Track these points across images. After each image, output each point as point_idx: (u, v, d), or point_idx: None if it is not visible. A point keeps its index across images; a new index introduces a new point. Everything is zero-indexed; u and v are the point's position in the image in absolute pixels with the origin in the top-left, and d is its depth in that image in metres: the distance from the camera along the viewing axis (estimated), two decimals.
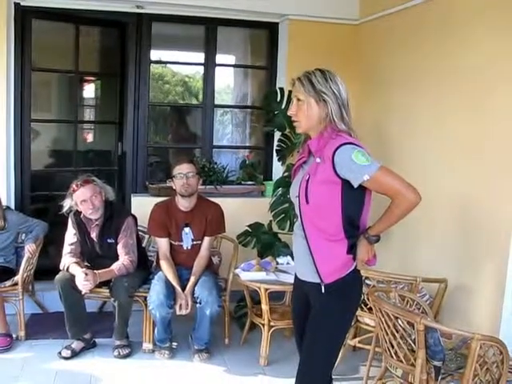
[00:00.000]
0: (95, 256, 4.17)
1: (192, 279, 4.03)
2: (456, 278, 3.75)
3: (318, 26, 5.11)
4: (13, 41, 4.64)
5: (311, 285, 2.46)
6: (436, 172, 4.02)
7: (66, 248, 4.10)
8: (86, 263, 4.18)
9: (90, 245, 4.15)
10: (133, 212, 4.46)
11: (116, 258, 4.07)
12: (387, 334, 2.98)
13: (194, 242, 4.18)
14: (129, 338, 4.17)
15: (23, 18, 4.70)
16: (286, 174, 4.68)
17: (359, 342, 3.88)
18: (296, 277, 2.62)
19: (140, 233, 4.44)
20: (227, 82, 6.37)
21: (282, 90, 4.88)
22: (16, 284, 4.20)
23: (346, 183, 2.32)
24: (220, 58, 5.44)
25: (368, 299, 3.44)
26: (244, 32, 5.71)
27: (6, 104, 4.61)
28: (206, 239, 4.19)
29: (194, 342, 4.09)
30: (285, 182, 4.52)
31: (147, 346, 4.15)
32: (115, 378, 3.79)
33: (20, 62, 4.72)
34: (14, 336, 4.16)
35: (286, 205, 4.52)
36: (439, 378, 2.81)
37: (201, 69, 5.48)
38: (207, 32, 5.26)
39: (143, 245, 4.53)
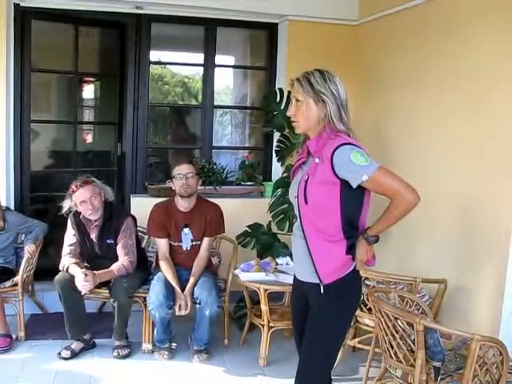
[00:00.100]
0: (95, 256, 4.17)
1: (191, 280, 4.03)
2: (456, 278, 3.75)
3: (317, 26, 5.11)
4: (12, 41, 4.64)
5: (310, 285, 2.46)
6: (437, 172, 4.02)
7: (66, 249, 4.10)
8: (85, 264, 4.18)
9: (90, 245, 4.15)
10: (132, 213, 4.46)
11: (115, 258, 4.07)
12: (387, 334, 2.98)
13: (194, 243, 4.18)
14: (128, 338, 4.17)
15: (23, 18, 4.71)
16: (285, 174, 4.68)
17: (359, 343, 3.88)
18: (295, 277, 2.62)
19: (139, 233, 4.44)
20: (226, 83, 6.37)
21: (281, 90, 4.88)
22: (16, 284, 4.20)
23: (344, 183, 2.32)
24: (219, 58, 5.45)
25: (368, 300, 3.44)
26: (243, 33, 5.72)
27: (6, 105, 4.61)
28: (206, 240, 4.19)
29: (194, 342, 4.09)
30: (284, 183, 4.52)
31: (147, 346, 4.15)
32: (115, 378, 3.79)
33: (19, 62, 4.72)
34: (13, 336, 4.16)
35: (286, 205, 4.51)
36: (439, 378, 2.81)
37: (200, 69, 5.49)
38: (206, 33, 5.26)
39: (143, 245, 4.53)
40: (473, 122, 3.70)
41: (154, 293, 3.91)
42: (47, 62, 5.06)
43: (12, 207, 4.70)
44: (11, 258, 4.42)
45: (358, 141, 2.40)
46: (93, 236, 4.13)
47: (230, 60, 6.23)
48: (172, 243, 4.18)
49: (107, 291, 4.03)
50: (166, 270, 4.05)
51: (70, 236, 4.13)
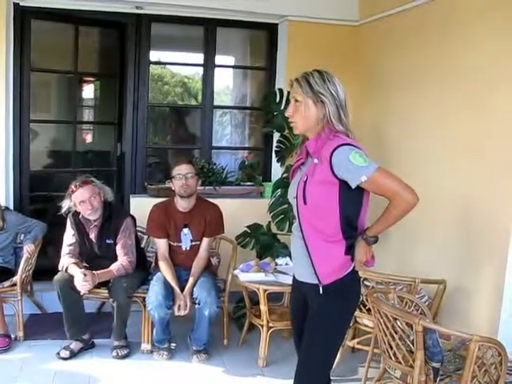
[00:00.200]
0: (94, 256, 4.17)
1: (191, 280, 4.03)
2: (455, 279, 3.75)
3: (317, 27, 5.11)
4: (12, 41, 4.63)
5: (309, 286, 2.46)
6: (437, 172, 4.02)
7: (65, 249, 4.10)
8: (84, 264, 4.18)
9: (89, 245, 4.15)
10: (132, 213, 4.46)
11: (115, 258, 4.07)
12: (386, 335, 2.98)
13: (193, 243, 4.18)
14: (127, 338, 4.17)
15: (22, 18, 4.70)
16: (284, 174, 4.68)
17: (358, 343, 3.88)
18: (294, 278, 2.62)
19: (139, 233, 4.44)
20: (226, 83, 6.37)
21: (281, 90, 4.88)
22: (15, 284, 4.20)
23: (343, 184, 2.32)
24: (219, 58, 5.44)
25: (367, 300, 3.44)
26: (243, 33, 5.72)
27: (5, 104, 4.61)
28: (205, 240, 4.19)
29: (193, 342, 4.09)
30: (284, 183, 4.52)
31: (146, 346, 4.15)
32: (114, 378, 3.79)
33: (19, 62, 4.72)
34: (12, 336, 4.16)
35: (285, 206, 4.51)
36: (438, 379, 2.81)
37: (200, 70, 5.49)
38: (206, 33, 5.26)
39: (142, 245, 4.53)
40: (473, 121, 3.70)
41: (154, 293, 3.91)
42: (47, 61, 5.06)
43: (11, 207, 4.70)
44: (10, 258, 4.42)
45: (356, 141, 2.40)
46: (92, 236, 4.13)
47: (229, 60, 6.23)
48: (171, 243, 4.18)
49: (106, 291, 4.03)
50: (166, 270, 4.05)
51: (69, 236, 4.13)
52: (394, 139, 4.58)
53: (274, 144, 5.06)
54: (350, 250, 2.41)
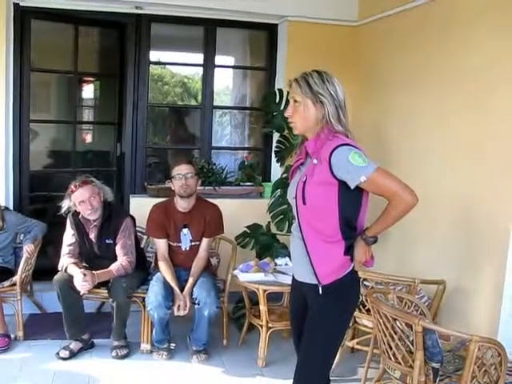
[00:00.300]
0: (93, 257, 4.17)
1: (190, 280, 4.03)
2: (454, 279, 3.75)
3: (317, 27, 5.11)
4: (12, 41, 4.64)
5: (309, 286, 2.46)
6: (437, 173, 4.02)
7: (65, 249, 4.10)
8: (84, 264, 4.18)
9: (89, 245, 4.15)
10: (131, 213, 4.47)
11: (114, 258, 4.07)
12: (385, 335, 2.98)
13: (193, 243, 4.18)
14: (127, 338, 4.17)
15: (22, 18, 4.70)
16: (284, 175, 4.68)
17: (357, 344, 3.88)
18: (293, 278, 2.62)
19: (138, 234, 4.44)
20: (226, 83, 6.37)
21: (280, 91, 4.88)
22: (14, 284, 4.20)
23: (342, 184, 2.32)
24: (219, 59, 5.45)
25: (366, 301, 3.44)
26: (243, 33, 5.72)
27: (5, 104, 4.61)
28: (205, 240, 4.19)
29: (192, 342, 4.09)
30: (283, 184, 4.52)
31: (145, 346, 4.15)
32: (113, 378, 3.79)
33: (19, 62, 4.72)
34: (12, 336, 4.16)
35: (285, 206, 4.51)
36: (437, 379, 2.81)
37: (200, 70, 5.49)
38: (206, 33, 5.26)
39: (142, 246, 4.53)
40: (473, 122, 3.69)
41: (153, 293, 3.91)
42: (47, 61, 5.06)
43: (11, 207, 4.70)
44: (10, 258, 4.42)
45: (356, 142, 2.40)
46: (92, 236, 4.13)
47: (229, 60, 6.23)
48: (171, 243, 4.18)
49: (106, 291, 4.03)
50: (165, 271, 4.05)
51: (68, 236, 4.13)
52: (394, 139, 4.58)
53: (274, 144, 5.07)
54: (349, 251, 2.41)
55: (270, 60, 5.43)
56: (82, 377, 3.75)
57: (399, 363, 2.94)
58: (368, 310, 3.53)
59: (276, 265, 4.28)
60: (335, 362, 3.18)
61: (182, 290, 3.98)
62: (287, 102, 4.56)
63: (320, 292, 2.41)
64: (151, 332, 4.11)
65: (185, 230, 4.15)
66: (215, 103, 5.53)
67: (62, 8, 4.79)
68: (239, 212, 4.91)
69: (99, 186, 4.14)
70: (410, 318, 2.77)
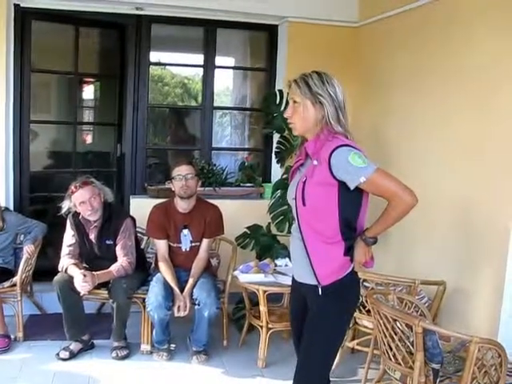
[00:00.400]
0: (94, 257, 4.17)
1: (190, 281, 4.03)
2: (454, 280, 3.75)
3: (317, 28, 5.11)
4: (12, 42, 4.64)
5: (308, 287, 2.46)
6: (436, 174, 4.02)
7: (65, 249, 4.10)
8: (84, 264, 4.18)
9: (89, 246, 4.15)
10: (131, 214, 4.47)
11: (114, 259, 4.07)
12: (385, 336, 2.98)
13: (193, 244, 4.18)
14: (127, 339, 4.17)
15: (23, 19, 4.71)
16: (284, 176, 4.68)
17: (357, 345, 3.88)
18: (293, 279, 2.62)
19: (139, 234, 4.44)
20: (226, 84, 6.38)
21: (281, 92, 4.88)
22: (14, 285, 4.19)
23: (342, 185, 2.32)
24: (219, 60, 5.45)
25: (366, 301, 3.44)
26: (243, 34, 5.72)
27: (5, 105, 4.61)
28: (205, 241, 4.18)
29: (193, 343, 4.09)
30: (283, 184, 4.51)
31: (145, 347, 4.14)
32: (113, 379, 3.79)
33: (19, 63, 4.72)
34: (12, 337, 4.16)
35: (285, 207, 4.51)
36: (437, 380, 2.81)
37: (200, 71, 5.49)
38: (206, 34, 5.26)
39: (142, 246, 4.53)
40: (474, 122, 3.69)
41: (153, 294, 3.91)
42: (47, 62, 5.07)
43: (11, 207, 4.70)
44: (10, 259, 4.42)
45: (355, 142, 2.40)
46: (92, 237, 4.13)
47: (229, 61, 6.24)
48: (171, 244, 4.18)
49: (106, 292, 4.03)
50: (165, 271, 4.05)
51: (69, 237, 4.13)
52: (394, 140, 4.59)
53: (274, 145, 5.06)
54: (349, 251, 2.41)
55: (270, 61, 5.43)
56: (82, 377, 3.74)
57: (399, 364, 2.94)
58: (368, 311, 3.53)
59: (276, 266, 4.28)
60: (335, 362, 3.19)
61: (182, 290, 3.98)
62: (287, 102, 4.55)
63: (320, 293, 2.41)
64: (151, 333, 4.11)
65: (185, 231, 4.15)
66: (215, 104, 5.53)
67: (62, 9, 4.79)
68: (239, 213, 4.91)
69: (99, 187, 4.14)
70: (410, 319, 2.77)
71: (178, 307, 3.90)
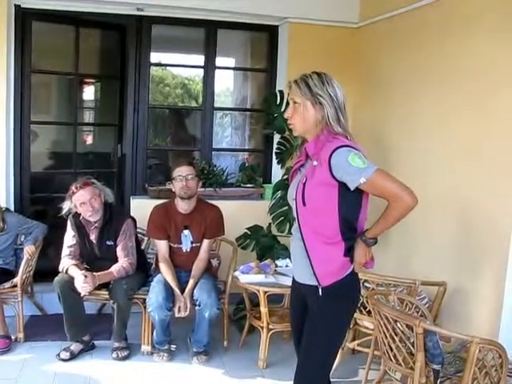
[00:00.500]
0: (94, 258, 4.17)
1: (191, 282, 4.03)
2: (455, 281, 3.75)
3: (317, 28, 5.11)
4: (13, 43, 4.64)
5: (309, 287, 2.46)
6: (436, 174, 4.02)
7: (65, 250, 4.10)
8: (85, 265, 4.17)
9: (89, 247, 4.15)
10: (132, 214, 4.47)
11: (115, 260, 4.07)
12: (386, 337, 2.98)
13: (194, 245, 4.18)
14: (127, 340, 4.17)
15: (23, 19, 4.71)
16: (285, 176, 4.68)
17: (358, 345, 3.87)
18: (294, 279, 2.62)
19: (139, 235, 4.44)
20: (227, 85, 6.38)
21: (281, 92, 4.88)
22: (15, 286, 4.20)
23: (342, 186, 2.32)
24: (220, 60, 5.45)
25: (367, 302, 3.44)
26: (244, 35, 5.72)
27: (6, 106, 4.61)
28: (205, 242, 4.18)
29: (193, 344, 4.09)
30: (284, 185, 4.52)
31: (146, 348, 4.14)
32: (114, 380, 3.78)
33: (20, 63, 4.72)
34: (12, 338, 4.16)
35: (286, 207, 4.51)
36: (438, 381, 2.81)
37: (201, 71, 5.48)
38: (207, 35, 5.26)
39: (142, 247, 4.53)
40: (473, 122, 3.69)
41: (154, 294, 3.91)
42: (48, 63, 5.06)
43: (12, 208, 4.70)
44: (11, 259, 4.42)
45: (355, 143, 2.40)
46: (92, 237, 4.13)
47: (230, 62, 6.25)
48: (172, 245, 4.18)
49: (107, 293, 4.03)
50: (166, 272, 4.05)
51: (69, 237, 4.13)
52: (394, 140, 4.59)
53: (275, 146, 5.07)
54: (349, 252, 2.41)
55: (270, 61, 5.43)
56: (83, 378, 3.75)
57: (400, 365, 2.94)
58: (369, 312, 3.54)
59: (277, 266, 4.28)
60: (336, 363, 3.19)
61: (182, 291, 3.98)
62: (288, 103, 4.55)
63: (320, 293, 2.41)
64: (152, 333, 4.11)
65: (186, 232, 4.15)
66: (216, 105, 5.53)
67: (62, 10, 4.79)
68: (240, 213, 4.91)
69: (100, 188, 4.14)
70: (411, 320, 2.77)
71: (179, 308, 3.90)
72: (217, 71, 5.39)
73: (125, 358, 4.04)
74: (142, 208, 4.63)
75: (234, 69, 6.22)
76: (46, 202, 5.15)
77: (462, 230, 3.78)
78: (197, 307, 3.95)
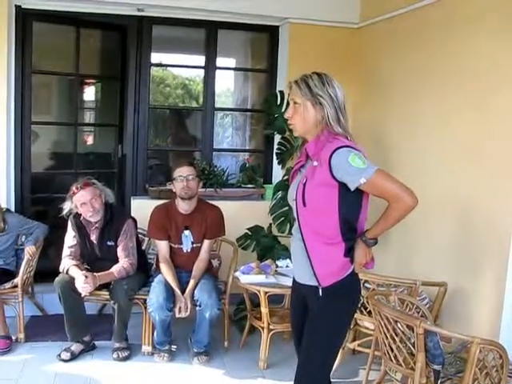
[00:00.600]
0: (95, 258, 4.17)
1: (192, 282, 4.03)
2: (456, 281, 3.75)
3: (318, 29, 5.11)
4: (13, 43, 4.64)
5: (309, 288, 2.46)
6: (436, 174, 4.02)
7: (66, 250, 4.10)
8: (85, 266, 4.18)
9: (90, 247, 4.15)
10: (132, 215, 4.48)
11: (116, 260, 4.07)
12: (387, 337, 2.98)
13: (194, 245, 4.18)
14: (128, 340, 4.17)
15: (24, 20, 4.71)
16: (285, 177, 4.68)
17: (359, 346, 3.87)
18: (294, 280, 2.62)
19: (140, 235, 4.45)
20: (227, 85, 6.37)
21: (282, 93, 4.88)
22: (16, 286, 4.20)
23: (343, 186, 2.32)
24: (220, 61, 5.45)
25: (367, 302, 3.44)
26: (244, 35, 5.72)
27: (7, 106, 4.62)
28: (206, 242, 4.19)
29: (194, 344, 4.09)
30: (284, 185, 4.51)
31: (146, 348, 4.15)
32: (114, 380, 3.79)
33: (21, 64, 4.72)
34: (13, 338, 4.16)
35: (286, 208, 4.51)
36: (438, 381, 2.81)
37: (201, 72, 5.48)
38: (208, 35, 5.26)
39: (143, 247, 4.53)
40: (474, 122, 3.69)
41: (154, 295, 3.91)
42: (48, 63, 5.06)
43: (12, 209, 4.70)
44: (11, 260, 4.42)
45: (355, 143, 2.40)
46: (93, 238, 4.13)
47: (231, 62, 6.24)
48: (172, 245, 4.18)
49: (107, 293, 4.03)
50: (167, 272, 4.05)
51: (70, 238, 4.13)
52: (394, 141, 4.59)
53: (275, 146, 5.07)
54: (349, 252, 2.41)
55: (271, 62, 5.43)
56: (83, 379, 3.75)
57: (400, 365, 2.94)
58: (369, 312, 3.53)
59: (277, 267, 4.28)
60: (336, 363, 3.19)
61: (183, 291, 3.98)
62: (288, 103, 4.55)
63: (320, 294, 2.42)
64: (152, 334, 4.11)
65: (186, 232, 4.15)
66: (216, 105, 5.53)
67: (63, 10, 4.79)
68: (240, 214, 4.91)
69: (100, 188, 4.14)
70: (412, 320, 2.77)
71: (179, 308, 3.90)
72: (217, 72, 5.40)
73: (125, 359, 4.04)
74: (142, 208, 4.63)
75: (235, 69, 6.22)
76: (46, 202, 5.15)
77: (463, 230, 3.78)
78: (197, 308, 3.95)
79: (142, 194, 5.18)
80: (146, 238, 4.57)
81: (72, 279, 3.90)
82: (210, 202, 4.35)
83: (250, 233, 4.72)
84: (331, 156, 2.29)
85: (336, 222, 2.36)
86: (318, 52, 5.01)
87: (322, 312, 2.44)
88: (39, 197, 5.12)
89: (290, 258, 3.92)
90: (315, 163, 2.37)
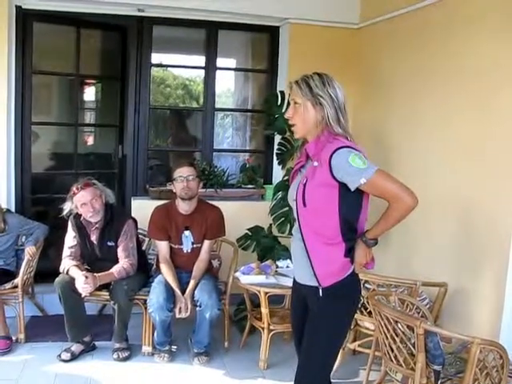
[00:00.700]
0: (95, 259, 4.17)
1: (192, 282, 4.03)
2: (456, 281, 3.74)
3: (318, 29, 5.12)
4: (14, 43, 4.64)
5: (309, 288, 2.46)
6: (437, 174, 4.02)
7: (66, 251, 4.10)
8: (85, 266, 4.18)
9: (90, 248, 4.15)
10: (133, 215, 4.48)
11: (116, 260, 4.07)
12: (387, 337, 2.98)
13: (194, 246, 4.18)
14: (128, 340, 4.17)
15: (24, 20, 4.71)
16: (286, 177, 4.68)
17: (359, 346, 3.87)
18: (294, 280, 2.62)
19: (140, 236, 4.45)
20: (228, 86, 6.38)
21: (282, 93, 4.88)
22: (16, 286, 4.20)
23: (343, 186, 2.32)
24: (221, 61, 5.45)
25: (368, 303, 3.43)
26: (245, 35, 5.72)
27: (7, 106, 4.62)
28: (206, 242, 4.18)
29: (194, 345, 4.09)
30: (285, 186, 4.51)
31: (147, 348, 4.14)
32: (114, 380, 3.78)
33: (21, 64, 4.72)
34: (13, 338, 4.16)
35: (286, 208, 4.51)
36: (439, 382, 2.81)
37: (201, 72, 5.48)
38: (208, 35, 5.26)
39: (143, 248, 4.53)
40: (476, 122, 3.68)
41: (155, 295, 3.91)
42: (48, 63, 5.07)
43: (13, 209, 4.70)
44: (11, 260, 4.42)
45: (356, 144, 2.40)
46: (93, 238, 4.13)
47: (231, 63, 6.24)
48: (172, 246, 4.18)
49: (107, 293, 4.03)
50: (167, 273, 4.05)
51: (70, 238, 4.13)
52: (395, 141, 4.58)
53: (275, 146, 5.06)
54: (349, 253, 2.41)
55: (271, 62, 5.43)
56: (83, 379, 3.75)
57: (401, 365, 2.94)
58: (369, 313, 3.53)
59: (277, 267, 4.28)
60: (336, 364, 3.19)
61: (183, 292, 3.98)
62: (289, 104, 4.55)
63: (320, 294, 2.41)
64: (153, 334, 4.11)
65: (186, 233, 4.15)
66: (217, 105, 5.53)
67: (63, 10, 4.79)
68: (241, 214, 4.91)
69: (101, 189, 4.14)
70: (412, 321, 2.77)
71: (180, 309, 3.90)
72: (218, 72, 5.40)
73: (125, 359, 4.04)
74: (142, 209, 4.64)
75: (235, 69, 6.22)
76: (46, 202, 5.15)
77: (463, 230, 3.78)
78: (197, 308, 3.95)
79: (142, 195, 5.18)
80: (147, 239, 4.57)
81: (72, 280, 3.90)
82: (211, 202, 4.35)
83: (250, 233, 4.71)
84: (331, 156, 2.29)
85: (336, 223, 2.36)
86: (318, 52, 5.01)
87: (322, 312, 2.44)
88: (39, 197, 5.12)
89: (291, 259, 3.93)
90: (315, 163, 2.36)
